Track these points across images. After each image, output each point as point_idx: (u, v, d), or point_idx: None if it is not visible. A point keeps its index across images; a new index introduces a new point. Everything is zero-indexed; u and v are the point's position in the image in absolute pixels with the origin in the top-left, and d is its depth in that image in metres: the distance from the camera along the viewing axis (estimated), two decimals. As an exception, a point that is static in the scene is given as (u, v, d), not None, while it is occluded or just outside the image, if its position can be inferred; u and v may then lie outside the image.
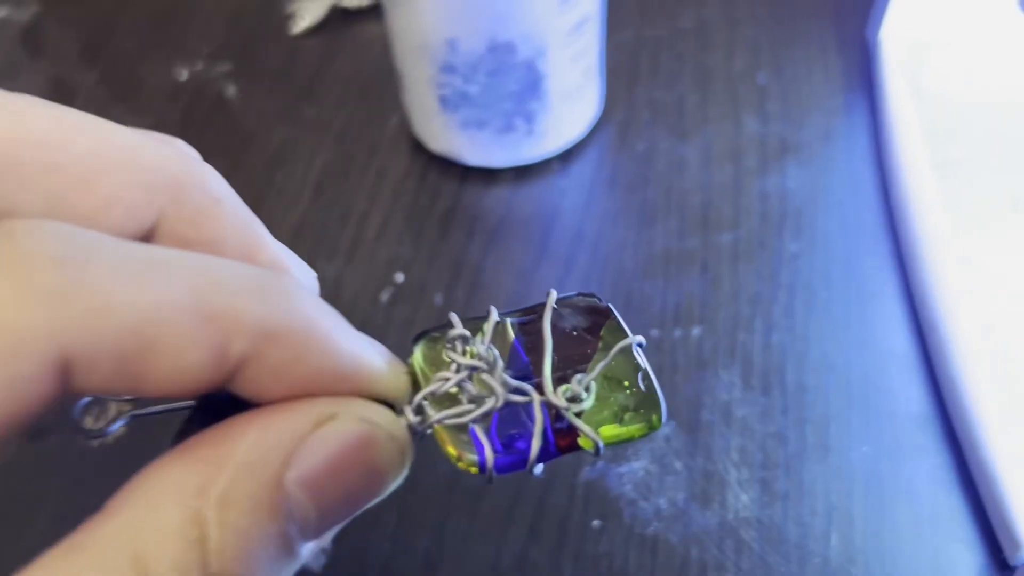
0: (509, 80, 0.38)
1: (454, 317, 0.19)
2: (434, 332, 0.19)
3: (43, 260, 0.13)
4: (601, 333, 0.19)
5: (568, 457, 0.19)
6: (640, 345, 0.19)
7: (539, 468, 0.18)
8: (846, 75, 0.45)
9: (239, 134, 0.46)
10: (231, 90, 0.48)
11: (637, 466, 0.32)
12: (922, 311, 0.35)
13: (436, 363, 0.19)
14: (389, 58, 0.42)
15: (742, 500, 0.31)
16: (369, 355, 0.17)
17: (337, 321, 0.16)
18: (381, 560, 0.31)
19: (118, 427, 0.17)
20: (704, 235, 0.39)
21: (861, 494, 0.31)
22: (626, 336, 0.19)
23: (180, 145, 0.18)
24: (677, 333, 0.36)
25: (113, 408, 0.17)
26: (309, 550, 0.16)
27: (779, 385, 0.34)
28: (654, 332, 0.36)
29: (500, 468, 0.18)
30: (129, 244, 0.14)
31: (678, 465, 0.32)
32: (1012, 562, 0.29)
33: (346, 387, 0.16)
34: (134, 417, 0.17)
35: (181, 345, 0.14)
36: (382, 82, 0.47)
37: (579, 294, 0.20)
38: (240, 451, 0.15)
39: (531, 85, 0.39)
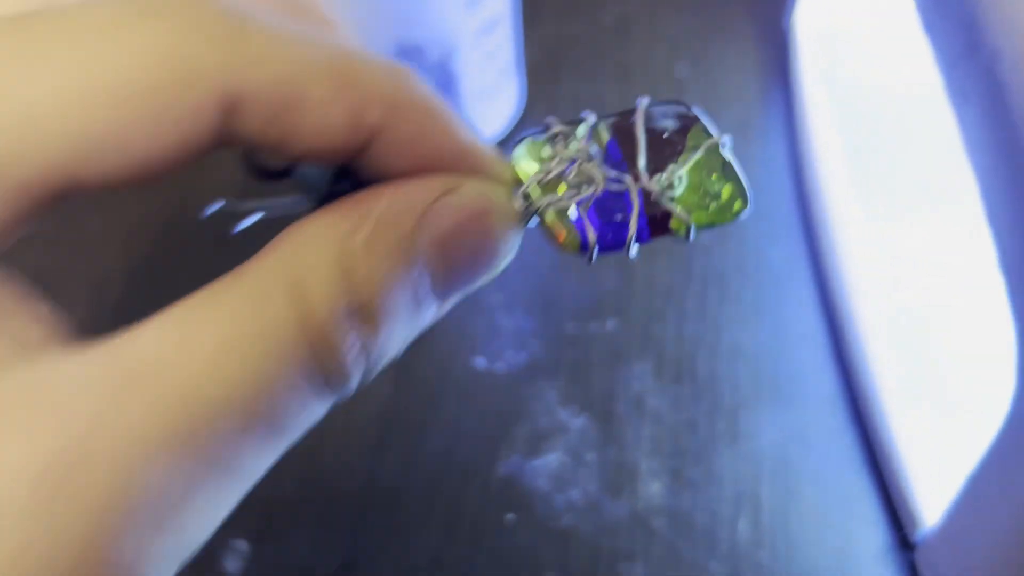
0: (421, 81, 0.38)
1: (552, 119, 0.20)
2: (534, 136, 0.20)
3: (212, 10, 0.15)
4: (689, 135, 0.19)
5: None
6: (724, 145, 0.20)
7: (635, 249, 0.19)
8: (764, 66, 0.46)
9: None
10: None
11: (551, 458, 0.33)
12: (832, 297, 0.36)
13: (537, 160, 0.19)
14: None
15: (652, 489, 0.32)
16: (483, 142, 0.18)
17: (457, 116, 0.18)
18: (299, 560, 0.31)
19: (246, 225, 0.18)
20: (621, 228, 0.40)
21: (769, 479, 0.32)
22: (712, 135, 0.20)
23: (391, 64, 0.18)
24: (592, 327, 0.36)
25: (244, 209, 0.19)
26: (432, 314, 0.17)
27: (690, 374, 0.35)
28: (569, 326, 0.36)
29: (602, 246, 0.19)
30: (279, 16, 0.16)
31: (591, 457, 0.33)
32: (912, 539, 0.30)
33: (464, 167, 0.18)
34: (261, 216, 0.19)
35: (324, 104, 0.15)
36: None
37: (667, 101, 0.20)
38: (380, 207, 0.16)
39: (445, 86, 0.39)
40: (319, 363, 0.15)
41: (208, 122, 0.15)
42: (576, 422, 0.33)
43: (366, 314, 0.15)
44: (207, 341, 0.14)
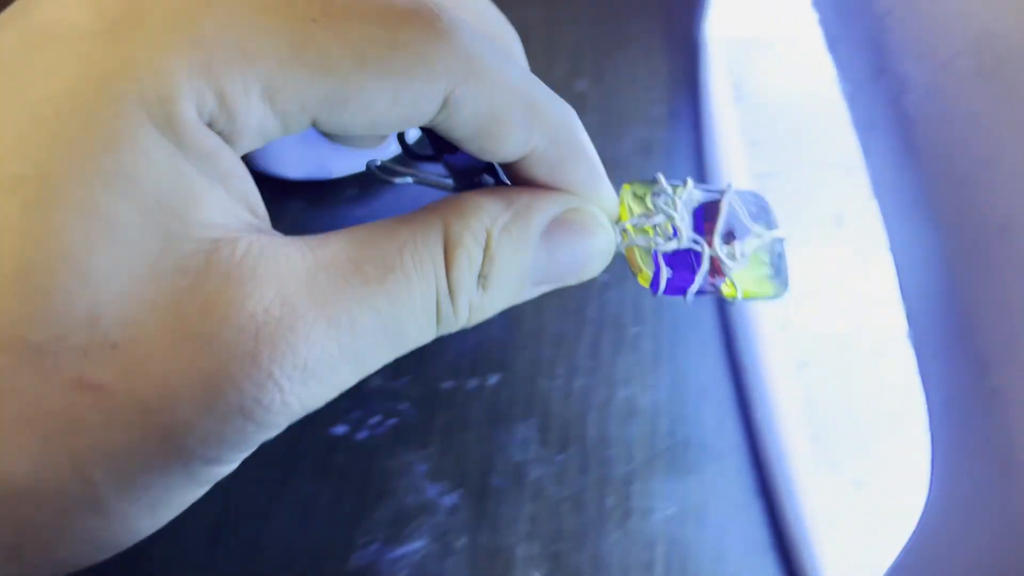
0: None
1: (661, 176, 0.24)
2: (642, 181, 0.24)
3: (458, 35, 0.19)
4: (758, 223, 0.24)
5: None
6: (783, 239, 0.24)
7: (692, 298, 0.23)
8: (671, 81, 0.42)
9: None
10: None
11: (416, 546, 0.28)
12: (737, 347, 0.32)
13: (638, 203, 0.24)
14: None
15: (530, 581, 0.27)
16: (605, 179, 0.23)
17: (593, 154, 0.22)
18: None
19: (403, 182, 0.24)
20: (509, 266, 0.35)
21: (663, 565, 0.28)
22: (775, 228, 0.24)
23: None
24: (472, 383, 0.32)
25: (400, 172, 0.24)
26: (525, 295, 0.22)
27: (579, 439, 0.30)
28: (446, 384, 0.32)
29: (668, 289, 0.23)
30: (495, 45, 0.20)
31: (461, 542, 0.28)
32: (823, 637, 0.26)
33: (589, 195, 0.22)
34: (415, 181, 0.24)
35: (511, 122, 0.20)
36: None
37: (750, 191, 0.25)
38: (520, 203, 0.21)
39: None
40: (442, 300, 0.19)
41: (427, 108, 0.19)
42: (447, 500, 0.29)
43: (484, 280, 0.20)
44: (379, 258, 0.18)
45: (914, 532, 0.21)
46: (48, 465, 0.16)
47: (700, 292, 0.23)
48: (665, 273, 0.23)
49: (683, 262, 0.23)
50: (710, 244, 0.23)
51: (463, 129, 0.20)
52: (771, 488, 0.29)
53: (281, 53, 0.18)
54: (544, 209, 0.21)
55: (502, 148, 0.20)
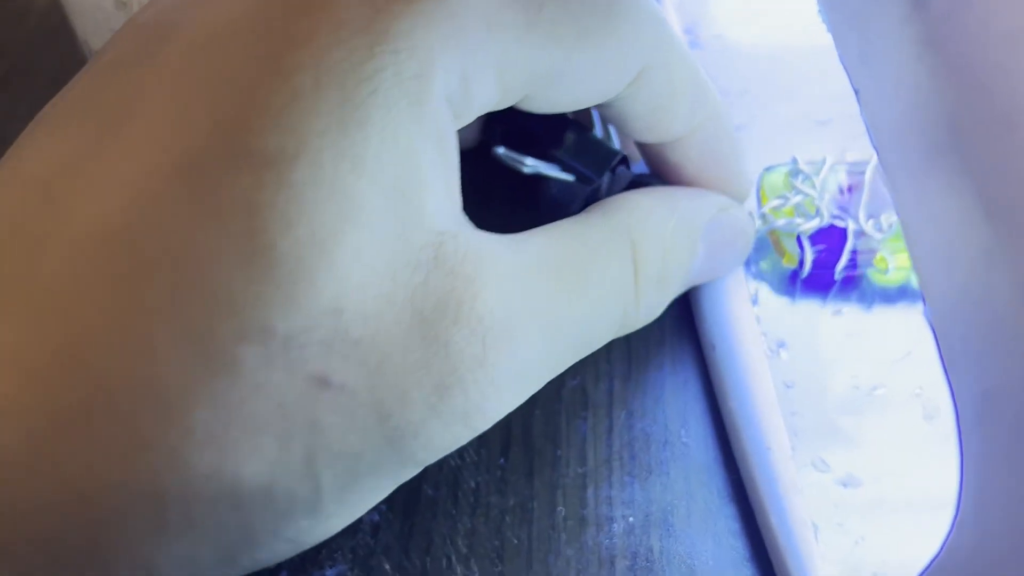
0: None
1: (796, 158, 0.25)
2: (779, 166, 0.25)
3: (656, 8, 0.20)
4: None
5: None
6: None
7: (839, 273, 0.24)
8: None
9: None
10: None
11: (332, 574, 0.24)
12: (705, 322, 0.28)
13: (773, 189, 0.25)
14: (56, 29, 0.32)
15: (469, 611, 0.23)
16: (748, 171, 0.24)
17: (738, 145, 0.23)
18: None
19: (531, 171, 0.24)
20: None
21: (625, 584, 0.24)
22: None
23: None
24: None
25: (528, 162, 0.24)
26: (682, 291, 0.23)
27: (523, 439, 0.26)
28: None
29: (815, 267, 0.24)
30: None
31: (387, 567, 0.24)
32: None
33: (730, 189, 0.23)
34: (539, 170, 0.24)
35: (686, 96, 0.21)
36: (44, 59, 0.36)
37: None
38: (682, 205, 0.22)
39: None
40: (628, 305, 0.20)
41: (622, 82, 0.20)
42: (369, 516, 0.25)
43: (660, 283, 0.21)
44: (577, 264, 0.19)
45: (940, 553, 0.17)
46: (282, 468, 0.15)
47: (851, 270, 0.24)
48: (810, 254, 0.24)
49: (830, 239, 0.24)
50: (854, 218, 0.24)
51: (643, 104, 0.20)
52: (747, 490, 0.25)
53: (519, 25, 0.17)
54: (705, 212, 0.22)
55: (672, 125, 0.21)
